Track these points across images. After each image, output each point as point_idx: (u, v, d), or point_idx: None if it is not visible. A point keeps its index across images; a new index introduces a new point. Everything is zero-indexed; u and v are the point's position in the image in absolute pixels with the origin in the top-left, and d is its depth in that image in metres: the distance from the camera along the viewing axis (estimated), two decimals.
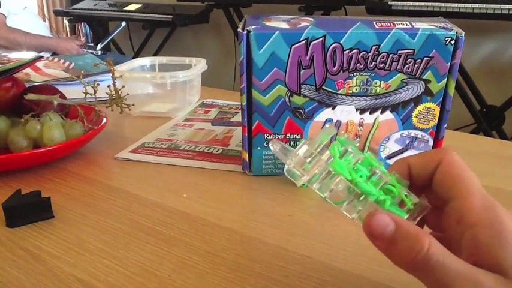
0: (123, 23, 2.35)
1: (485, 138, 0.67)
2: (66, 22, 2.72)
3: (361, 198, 0.25)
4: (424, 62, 0.44)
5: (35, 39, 2.02)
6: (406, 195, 0.25)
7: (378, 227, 0.23)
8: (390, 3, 1.70)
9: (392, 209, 0.25)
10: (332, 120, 0.47)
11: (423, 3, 1.64)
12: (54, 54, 2.14)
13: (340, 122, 0.47)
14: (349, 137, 0.27)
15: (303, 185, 0.47)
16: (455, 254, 0.23)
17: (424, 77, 0.45)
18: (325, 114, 0.47)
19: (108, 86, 0.58)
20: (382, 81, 0.45)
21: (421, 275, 0.22)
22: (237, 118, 0.71)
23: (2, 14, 2.00)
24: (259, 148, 0.48)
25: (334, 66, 0.45)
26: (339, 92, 0.46)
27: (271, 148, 0.27)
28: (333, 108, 0.47)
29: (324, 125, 0.47)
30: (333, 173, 0.25)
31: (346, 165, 0.25)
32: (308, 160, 0.26)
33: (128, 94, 0.60)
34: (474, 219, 0.22)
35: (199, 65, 0.78)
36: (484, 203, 0.23)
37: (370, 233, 0.23)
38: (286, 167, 0.27)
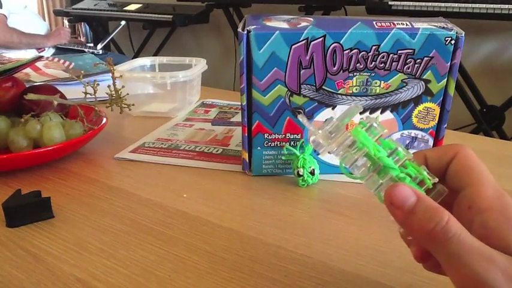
0: (123, 22, 2.35)
1: (485, 138, 0.67)
2: (66, 22, 2.71)
3: (382, 173, 0.26)
4: (424, 62, 0.44)
5: (30, 38, 2.08)
6: (426, 174, 0.26)
7: (399, 197, 0.23)
8: (390, 3, 1.70)
9: (412, 186, 0.25)
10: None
11: (423, 3, 1.64)
12: (55, 53, 2.15)
13: None
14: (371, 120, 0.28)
15: (302, 185, 0.47)
16: None
17: (424, 77, 0.45)
18: (325, 114, 0.47)
19: (108, 86, 0.58)
20: (382, 81, 0.45)
21: (437, 247, 0.23)
22: (237, 118, 0.71)
23: (3, 14, 2.01)
24: (259, 148, 0.48)
25: (334, 66, 0.45)
26: (339, 92, 0.46)
27: (300, 118, 0.28)
28: (333, 108, 0.47)
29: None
30: (358, 145, 0.26)
31: (371, 140, 0.26)
32: (333, 135, 0.27)
33: (127, 94, 0.60)
34: (485, 205, 0.23)
35: (199, 65, 0.78)
36: (495, 192, 0.23)
37: (391, 203, 0.24)
38: (312, 137, 0.28)
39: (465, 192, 0.24)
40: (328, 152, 0.27)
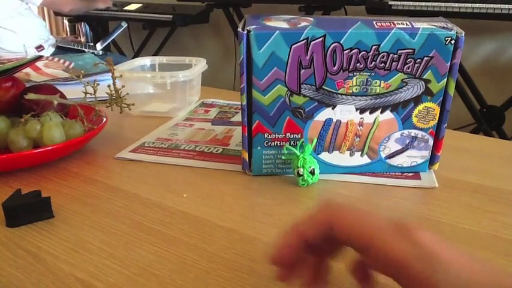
0: (124, 24, 2.36)
1: (485, 138, 0.67)
2: (66, 22, 2.72)
3: None
4: (424, 61, 0.44)
5: None
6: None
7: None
8: (390, 3, 1.70)
9: None
10: (332, 119, 0.47)
11: (423, 3, 1.64)
12: (55, 53, 2.15)
13: (340, 121, 0.47)
14: None
15: (302, 184, 0.47)
16: None
17: (424, 77, 0.45)
18: (325, 114, 0.47)
19: (108, 86, 0.58)
20: (382, 81, 0.45)
21: None
22: (237, 118, 0.71)
23: None
24: (259, 148, 0.48)
25: (334, 66, 0.45)
26: (339, 91, 0.46)
27: None
28: (333, 108, 0.47)
29: (323, 125, 0.47)
30: None
31: None
32: None
33: (127, 94, 0.60)
34: (398, 261, 0.22)
35: (199, 65, 0.78)
36: (398, 239, 0.23)
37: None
38: None
39: (371, 253, 0.24)
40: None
